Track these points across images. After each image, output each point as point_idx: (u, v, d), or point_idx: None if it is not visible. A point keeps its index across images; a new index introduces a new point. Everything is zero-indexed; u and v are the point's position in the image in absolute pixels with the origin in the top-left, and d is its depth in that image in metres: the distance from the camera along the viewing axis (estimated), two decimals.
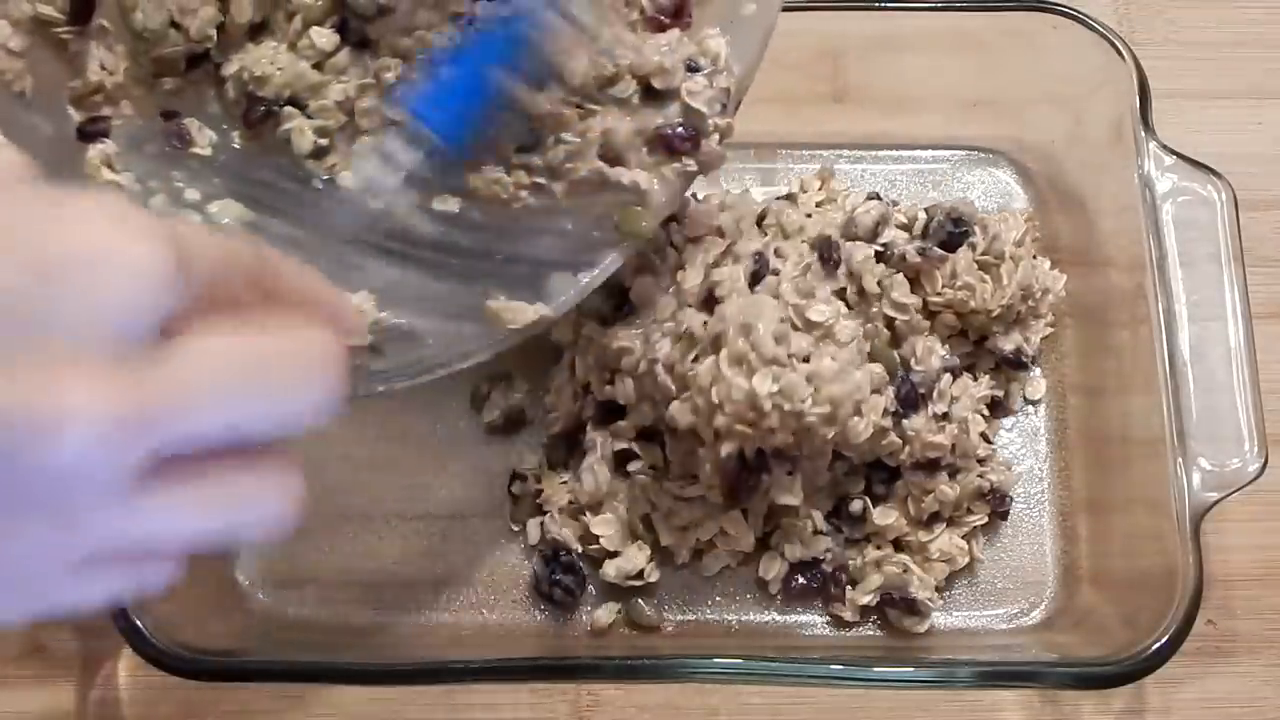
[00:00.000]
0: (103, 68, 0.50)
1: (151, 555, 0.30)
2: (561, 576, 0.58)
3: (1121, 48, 0.59)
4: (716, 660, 0.53)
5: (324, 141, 0.51)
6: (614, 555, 0.58)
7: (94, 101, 0.51)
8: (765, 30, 0.51)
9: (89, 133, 0.50)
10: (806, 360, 0.51)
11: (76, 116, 0.50)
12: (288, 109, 0.51)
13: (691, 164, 0.50)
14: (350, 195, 0.51)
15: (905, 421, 0.57)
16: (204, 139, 0.52)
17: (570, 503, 0.59)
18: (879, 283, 0.58)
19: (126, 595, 0.30)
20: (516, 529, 0.61)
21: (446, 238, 0.51)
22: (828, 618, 0.59)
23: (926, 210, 0.61)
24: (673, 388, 0.54)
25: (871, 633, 0.59)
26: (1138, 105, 0.58)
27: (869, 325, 0.57)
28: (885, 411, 0.56)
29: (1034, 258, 0.62)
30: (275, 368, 0.29)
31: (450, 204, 0.50)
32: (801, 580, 0.58)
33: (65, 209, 0.27)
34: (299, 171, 0.51)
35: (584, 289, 0.50)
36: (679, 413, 0.53)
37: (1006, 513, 0.60)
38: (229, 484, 0.29)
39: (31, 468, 0.25)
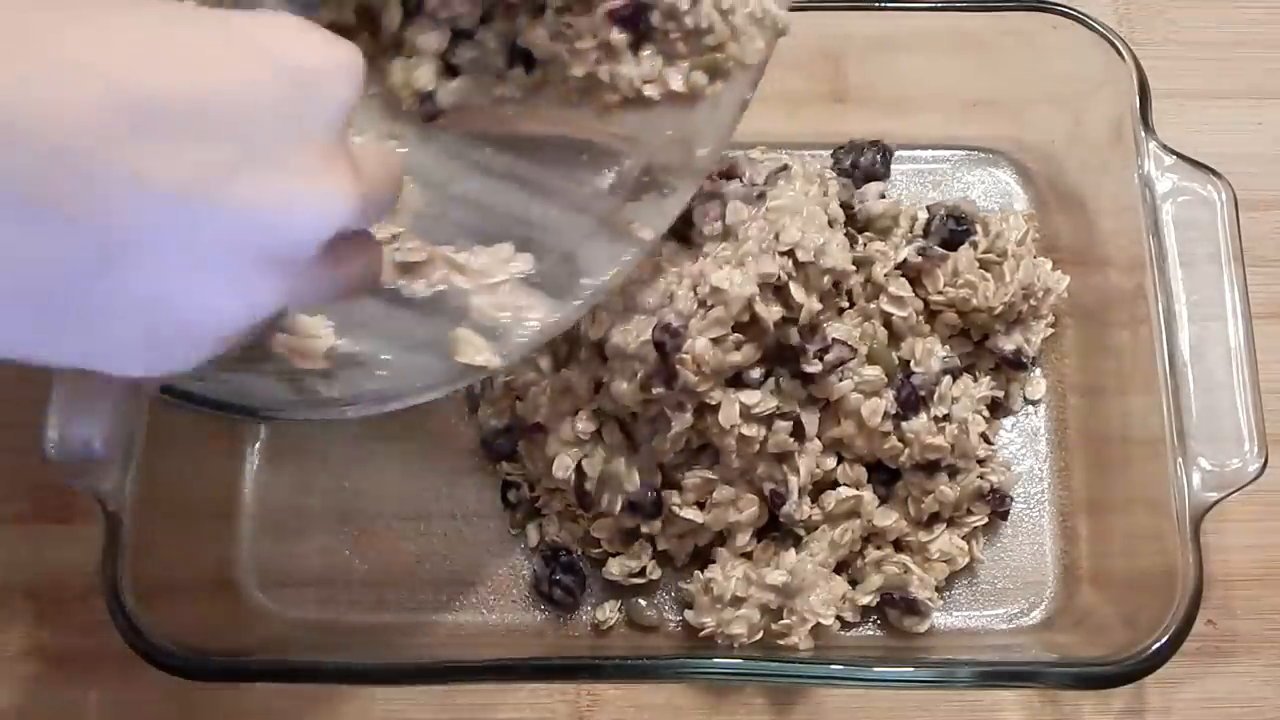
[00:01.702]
0: None
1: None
2: (561, 576, 0.58)
3: (1121, 48, 0.59)
4: (716, 660, 0.53)
5: None
6: (616, 555, 0.58)
7: None
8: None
9: None
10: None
11: None
12: None
13: None
14: None
15: (905, 424, 0.57)
16: None
17: (568, 505, 0.59)
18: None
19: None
20: (516, 532, 0.61)
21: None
22: None
23: (928, 208, 0.61)
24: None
25: (871, 633, 0.59)
26: (1138, 105, 0.58)
27: (867, 324, 0.57)
28: (885, 414, 0.56)
29: (1035, 257, 0.62)
30: (387, 154, 0.38)
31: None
32: None
33: (278, 28, 0.32)
34: None
35: (534, 344, 0.49)
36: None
37: (1006, 513, 0.60)
38: (365, 252, 0.38)
39: (283, 240, 0.32)
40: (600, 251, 0.50)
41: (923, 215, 0.61)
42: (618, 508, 0.56)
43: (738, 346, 0.53)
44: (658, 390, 0.53)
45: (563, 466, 0.56)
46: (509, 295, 0.48)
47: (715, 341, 0.53)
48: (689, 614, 0.56)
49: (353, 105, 0.33)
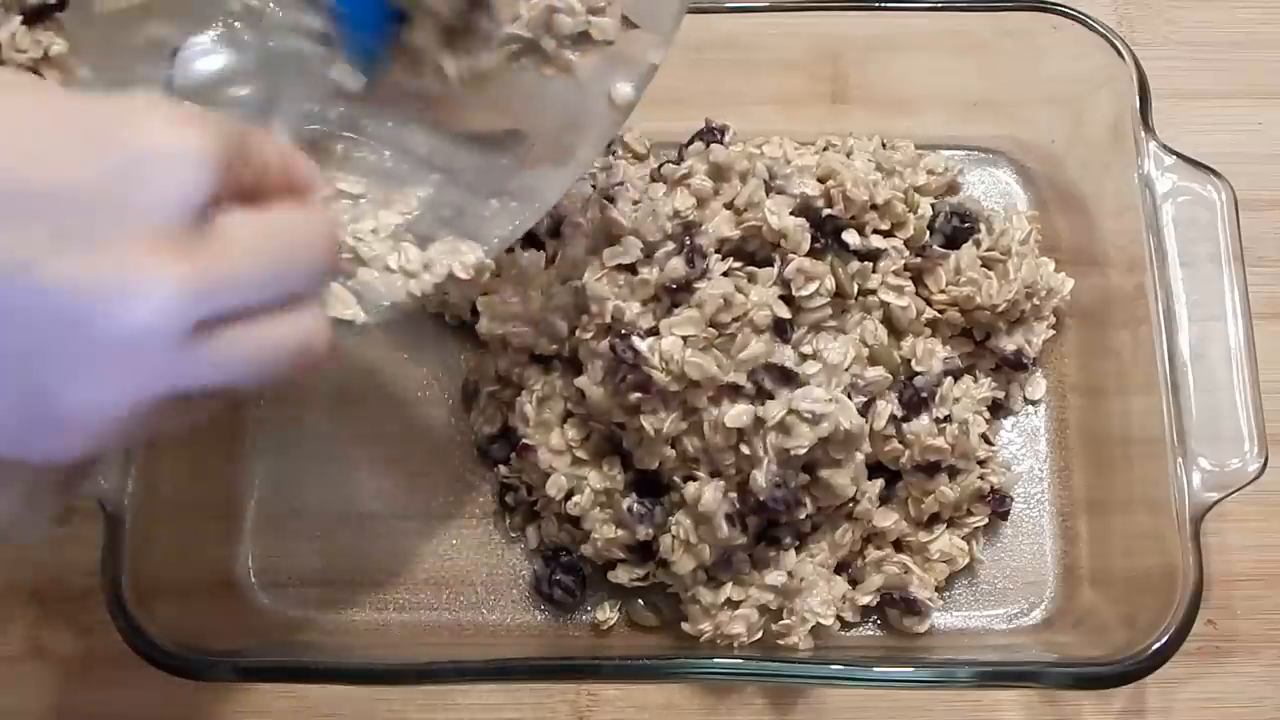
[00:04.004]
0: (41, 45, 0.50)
1: (207, 395, 0.35)
2: (561, 576, 0.58)
3: (1121, 48, 0.59)
4: (716, 660, 0.53)
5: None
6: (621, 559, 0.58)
7: None
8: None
9: None
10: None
11: None
12: None
13: None
14: None
15: (906, 425, 0.57)
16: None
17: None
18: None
19: (186, 427, 0.37)
20: (515, 534, 0.61)
21: None
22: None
23: (933, 205, 0.61)
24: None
25: (871, 633, 0.59)
26: (1138, 105, 0.58)
27: (867, 322, 0.57)
28: (890, 417, 0.56)
29: (1037, 257, 0.62)
30: (292, 236, 0.37)
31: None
32: None
33: (128, 112, 0.33)
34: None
35: (402, 309, 0.48)
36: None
37: (1007, 513, 0.60)
38: (265, 334, 0.35)
39: (110, 327, 0.31)
40: (493, 217, 0.49)
41: (927, 212, 0.61)
42: (610, 535, 0.57)
43: (712, 345, 0.53)
44: (634, 396, 0.53)
45: (556, 486, 0.57)
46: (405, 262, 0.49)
47: (686, 341, 0.53)
48: (686, 626, 0.56)
49: (203, 192, 0.33)
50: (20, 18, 0.50)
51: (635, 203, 0.56)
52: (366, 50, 0.49)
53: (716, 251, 0.55)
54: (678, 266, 0.53)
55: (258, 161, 0.37)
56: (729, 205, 0.56)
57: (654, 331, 0.53)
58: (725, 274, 0.54)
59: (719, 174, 0.57)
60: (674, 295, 0.54)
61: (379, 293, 0.47)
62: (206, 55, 0.51)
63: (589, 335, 0.55)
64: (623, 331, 0.53)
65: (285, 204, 0.38)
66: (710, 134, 0.62)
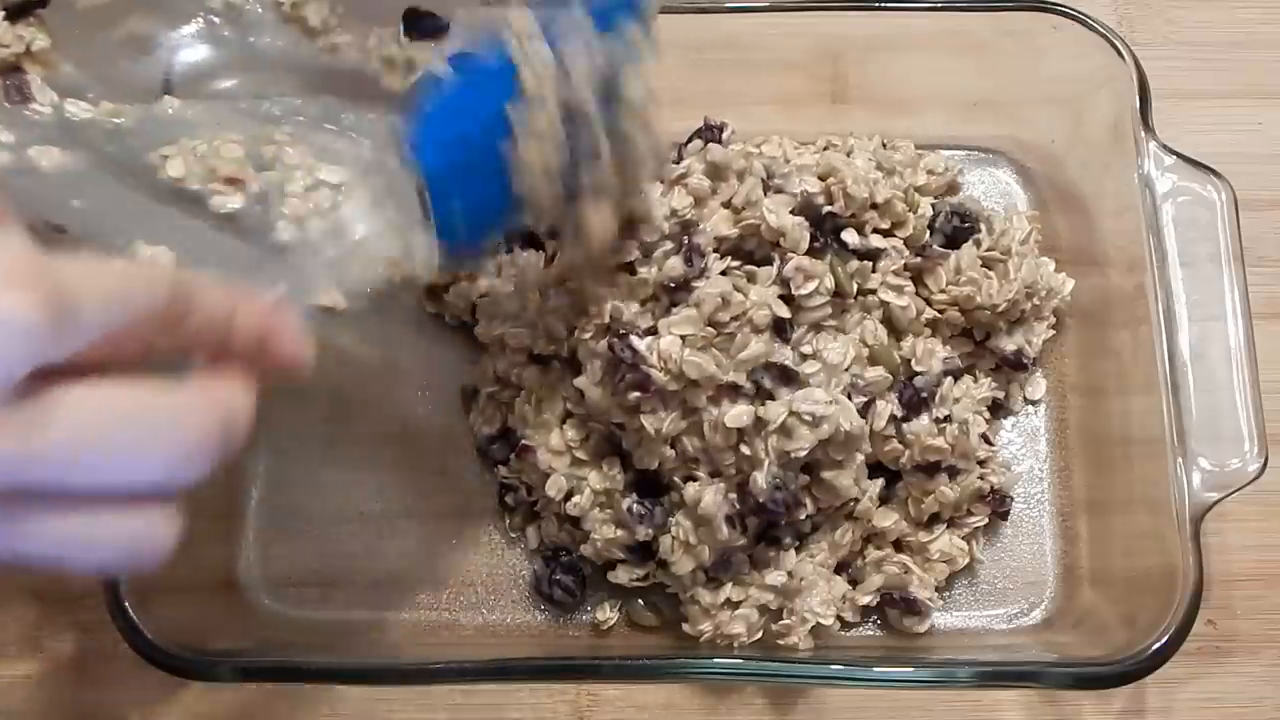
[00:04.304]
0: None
1: (31, 565, 0.32)
2: (561, 576, 0.58)
3: (1121, 48, 0.59)
4: (716, 660, 0.53)
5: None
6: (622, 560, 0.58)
7: None
8: None
9: None
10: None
11: None
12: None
13: None
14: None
15: (906, 425, 0.57)
16: (45, 97, 0.50)
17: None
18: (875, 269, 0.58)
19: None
20: (515, 534, 0.61)
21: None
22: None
23: (933, 205, 0.61)
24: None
25: (871, 633, 0.59)
26: (1138, 105, 0.58)
27: (867, 322, 0.57)
28: (890, 417, 0.56)
29: (1037, 257, 0.62)
30: (150, 428, 0.32)
31: None
32: None
33: None
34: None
35: (367, 296, 0.48)
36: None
37: (1007, 513, 0.60)
38: (84, 524, 0.32)
39: None
40: None
41: (928, 211, 0.61)
42: (610, 535, 0.57)
43: (711, 345, 0.53)
44: (634, 395, 0.53)
45: (556, 487, 0.57)
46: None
47: (685, 340, 0.52)
48: (686, 626, 0.56)
49: (19, 363, 0.29)
50: (3, 13, 0.50)
51: None
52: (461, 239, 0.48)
53: (715, 250, 0.55)
54: (676, 266, 0.53)
55: (212, 318, 0.34)
56: (727, 204, 0.57)
57: (652, 331, 0.53)
58: (724, 273, 0.54)
59: (717, 173, 0.57)
60: (672, 294, 0.54)
61: (357, 278, 0.47)
62: (188, 49, 0.52)
63: (588, 335, 0.55)
64: (621, 331, 0.53)
65: (218, 380, 0.34)
66: (708, 132, 0.62)
